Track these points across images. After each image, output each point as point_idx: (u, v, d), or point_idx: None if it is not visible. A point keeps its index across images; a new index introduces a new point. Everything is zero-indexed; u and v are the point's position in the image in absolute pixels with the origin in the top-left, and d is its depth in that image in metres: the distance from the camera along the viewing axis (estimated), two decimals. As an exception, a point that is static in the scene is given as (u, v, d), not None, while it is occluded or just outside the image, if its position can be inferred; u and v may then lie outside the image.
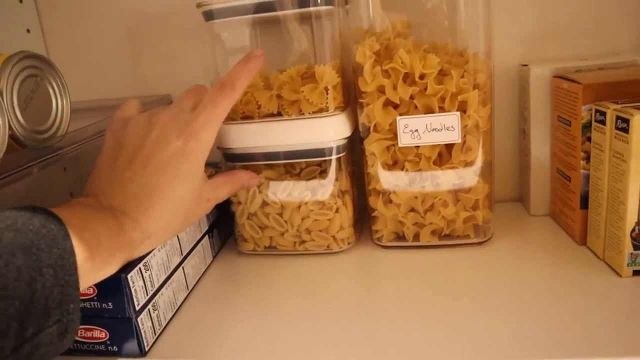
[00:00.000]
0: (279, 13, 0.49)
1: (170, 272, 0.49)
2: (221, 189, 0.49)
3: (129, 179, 0.42)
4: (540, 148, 0.59)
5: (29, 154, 0.45)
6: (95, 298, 0.43)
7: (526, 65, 0.59)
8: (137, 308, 0.43)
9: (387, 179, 0.54)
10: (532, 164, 0.60)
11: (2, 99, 0.42)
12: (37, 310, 0.30)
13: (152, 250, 0.45)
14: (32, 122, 0.45)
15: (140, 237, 0.41)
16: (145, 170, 0.42)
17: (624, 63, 0.57)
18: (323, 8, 0.51)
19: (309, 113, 0.52)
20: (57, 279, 0.32)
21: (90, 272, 0.36)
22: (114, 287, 0.42)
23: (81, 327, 0.43)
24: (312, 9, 0.50)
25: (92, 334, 0.44)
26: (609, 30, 0.62)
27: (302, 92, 0.52)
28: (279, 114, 0.54)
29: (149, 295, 0.45)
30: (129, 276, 0.42)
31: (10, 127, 0.42)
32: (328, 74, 0.52)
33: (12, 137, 0.43)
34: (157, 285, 0.46)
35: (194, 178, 0.44)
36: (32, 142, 0.45)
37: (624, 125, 0.44)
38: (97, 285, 0.42)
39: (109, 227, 0.39)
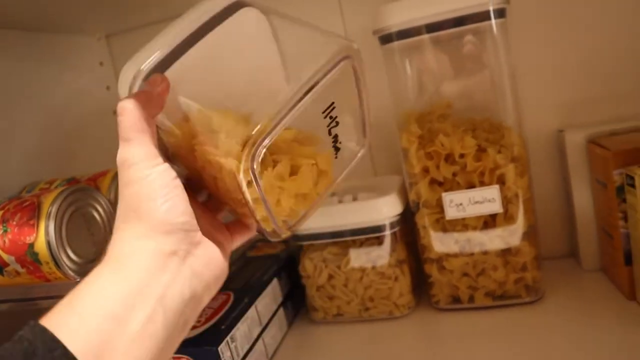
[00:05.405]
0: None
1: (252, 342, 0.56)
2: None
3: None
4: (584, 208, 0.63)
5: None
6: (189, 370, 0.51)
7: (562, 131, 0.64)
8: (227, 378, 0.51)
9: (439, 248, 0.60)
10: (578, 223, 0.64)
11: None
12: None
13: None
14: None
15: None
16: None
17: (656, 123, 0.61)
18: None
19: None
20: None
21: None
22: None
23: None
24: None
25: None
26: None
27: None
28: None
29: (236, 365, 0.53)
30: (219, 348, 0.50)
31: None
32: (378, 160, 0.59)
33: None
34: (242, 354, 0.54)
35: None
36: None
37: (651, 190, 0.48)
38: (192, 355, 0.50)
39: None
